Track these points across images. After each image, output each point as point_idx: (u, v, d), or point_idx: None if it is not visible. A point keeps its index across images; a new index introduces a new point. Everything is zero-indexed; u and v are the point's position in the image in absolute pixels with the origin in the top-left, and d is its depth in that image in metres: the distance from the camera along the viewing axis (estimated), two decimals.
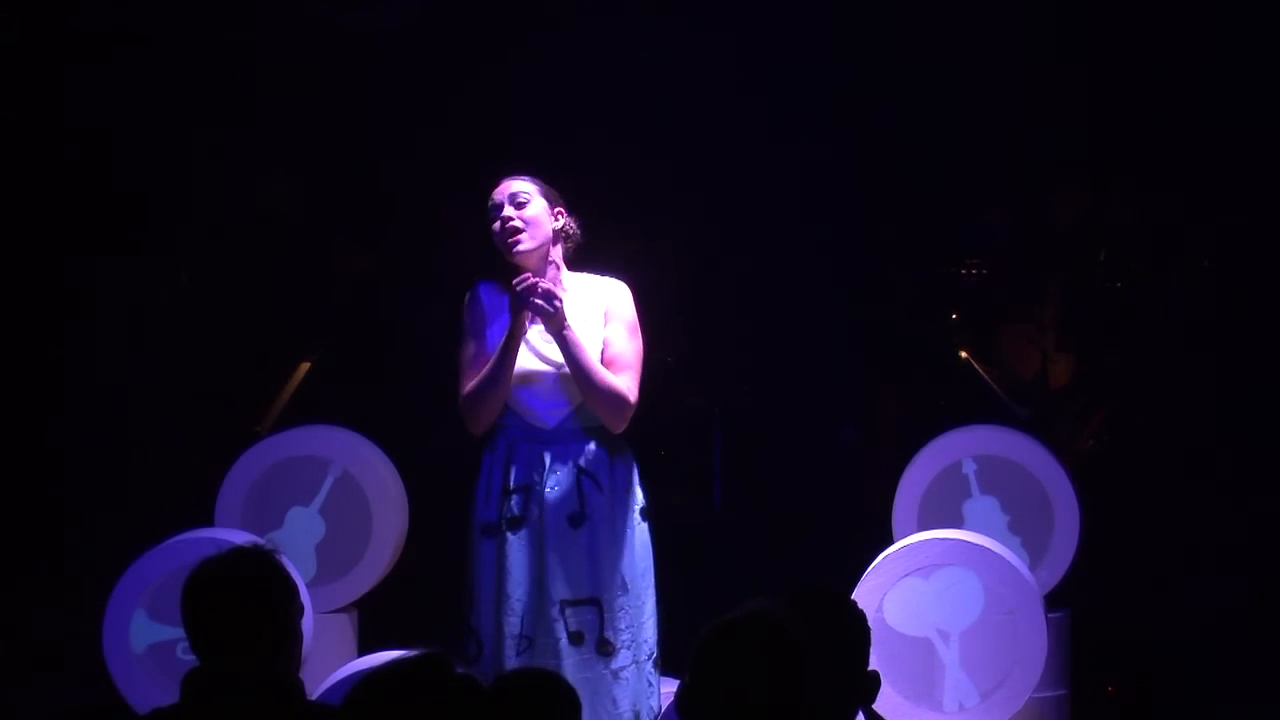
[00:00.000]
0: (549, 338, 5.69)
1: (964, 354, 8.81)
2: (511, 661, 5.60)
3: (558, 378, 5.70)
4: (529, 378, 5.70)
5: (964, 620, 6.48)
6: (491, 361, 5.70)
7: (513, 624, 5.62)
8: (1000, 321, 9.00)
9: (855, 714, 4.13)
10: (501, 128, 9.00)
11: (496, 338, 5.75)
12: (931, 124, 8.95)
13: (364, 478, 6.98)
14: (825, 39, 8.91)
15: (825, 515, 8.55)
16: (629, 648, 5.70)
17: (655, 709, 5.76)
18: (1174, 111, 8.73)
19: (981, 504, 7.12)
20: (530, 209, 5.75)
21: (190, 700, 3.96)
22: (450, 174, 9.10)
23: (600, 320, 5.77)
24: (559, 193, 5.85)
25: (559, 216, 5.80)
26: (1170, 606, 8.06)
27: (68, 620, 7.48)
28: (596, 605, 5.64)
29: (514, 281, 5.64)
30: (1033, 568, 6.87)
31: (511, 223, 5.73)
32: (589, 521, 5.67)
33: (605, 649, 5.66)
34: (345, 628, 6.96)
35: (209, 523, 6.86)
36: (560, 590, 5.64)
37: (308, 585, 6.32)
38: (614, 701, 5.67)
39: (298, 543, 6.89)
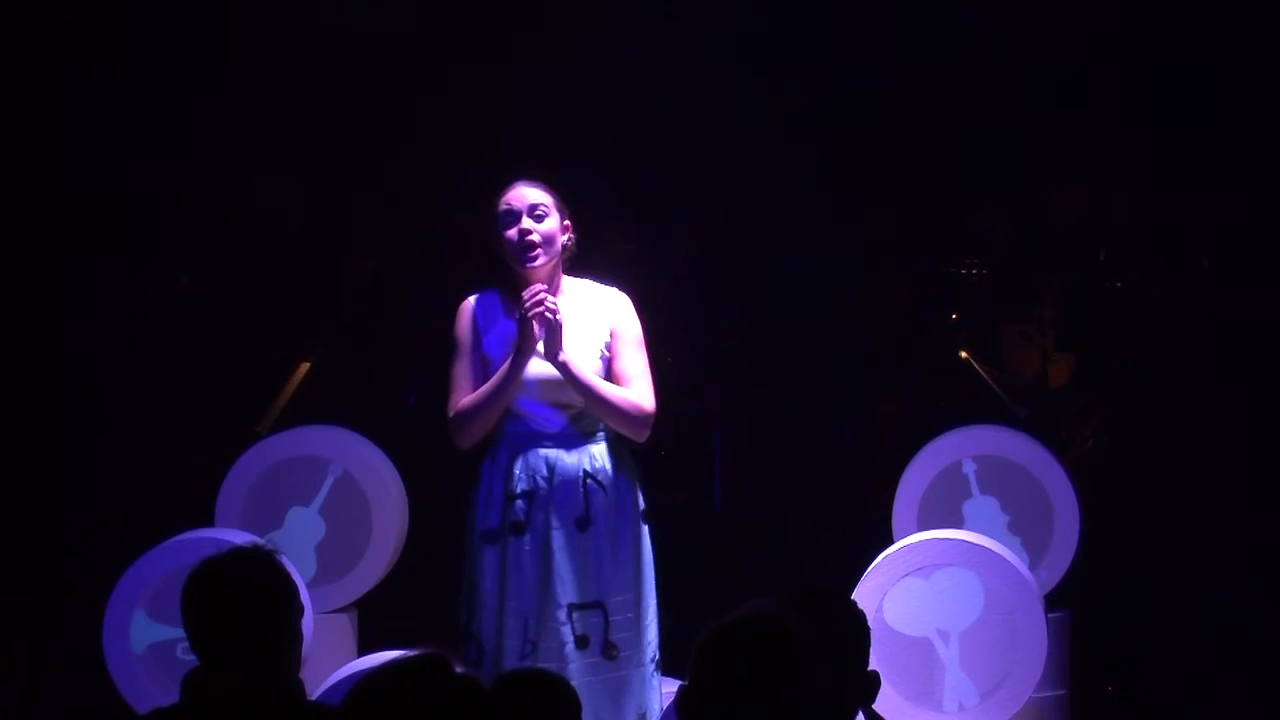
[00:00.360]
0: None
1: (964, 354, 8.81)
2: (515, 666, 5.59)
3: (559, 381, 5.69)
4: (535, 382, 5.69)
5: (964, 620, 6.48)
6: (493, 383, 5.67)
7: (516, 629, 5.61)
8: (1000, 321, 9.00)
9: (855, 714, 4.13)
10: (502, 127, 9.01)
11: (494, 349, 5.74)
12: (931, 124, 8.95)
13: (364, 478, 6.97)
14: (825, 39, 8.91)
15: (825, 515, 8.55)
16: (633, 651, 5.70)
17: (658, 711, 5.76)
18: (1174, 111, 8.73)
19: (981, 504, 7.11)
20: (548, 223, 5.71)
21: (190, 700, 3.96)
22: (451, 174, 9.11)
23: (601, 329, 5.76)
24: (566, 201, 5.83)
25: (567, 230, 5.78)
26: (1170, 606, 8.05)
27: (68, 620, 7.47)
28: (601, 609, 5.64)
29: (527, 308, 5.60)
30: (1033, 568, 6.87)
31: (530, 236, 5.68)
32: (593, 525, 5.67)
33: (610, 652, 5.66)
34: (345, 628, 6.95)
35: (209, 523, 6.86)
36: (566, 594, 5.63)
37: (308, 585, 6.32)
38: (619, 705, 5.67)
39: (298, 543, 6.88)
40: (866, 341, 9.00)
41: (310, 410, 7.90)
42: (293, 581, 4.09)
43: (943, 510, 7.09)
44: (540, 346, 5.63)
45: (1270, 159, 8.56)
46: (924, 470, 7.15)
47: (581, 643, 5.62)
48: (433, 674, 3.17)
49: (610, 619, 5.65)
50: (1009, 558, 6.54)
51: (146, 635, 6.43)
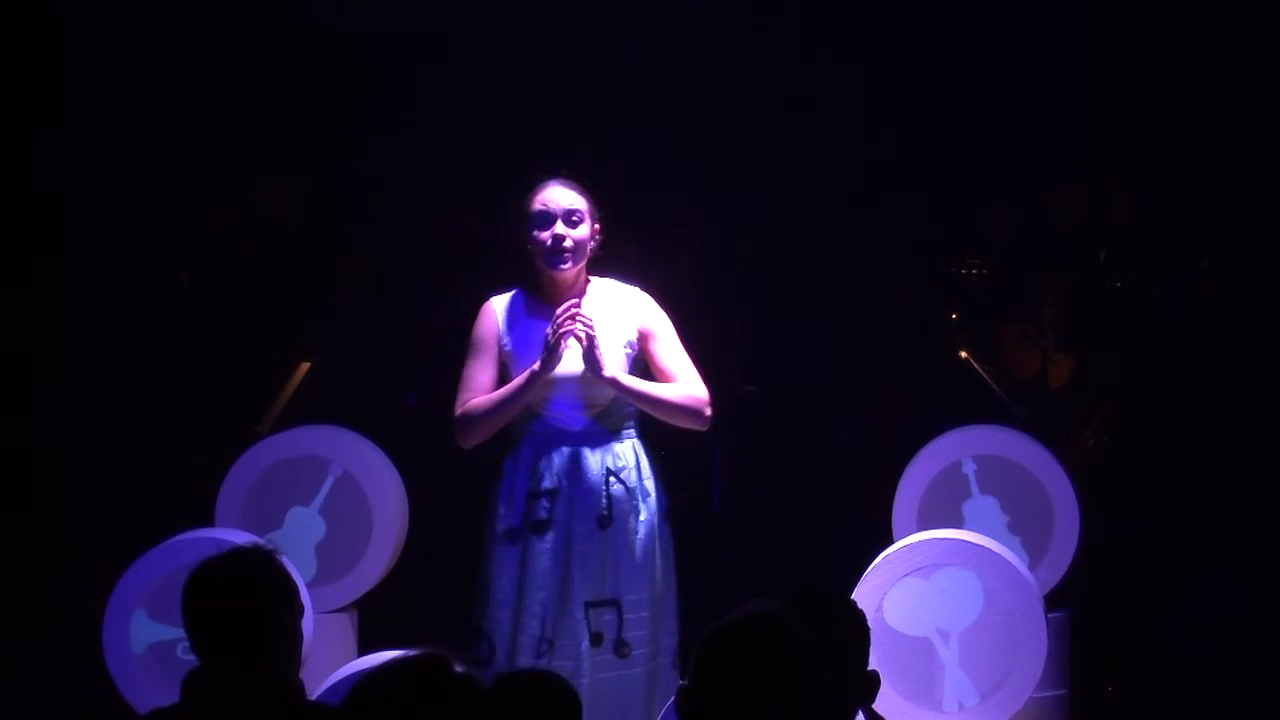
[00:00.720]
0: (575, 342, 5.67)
1: (964, 354, 8.81)
2: (528, 663, 5.59)
3: (575, 381, 5.68)
4: (559, 381, 5.68)
5: (964, 620, 6.48)
6: (506, 391, 5.67)
7: (533, 626, 5.60)
8: (1000, 321, 9.00)
9: (855, 714, 4.13)
10: (502, 127, 9.00)
11: (520, 348, 5.72)
12: (931, 124, 8.95)
13: (364, 478, 6.97)
14: (824, 38, 8.91)
15: (825, 515, 8.54)
16: (646, 649, 5.70)
17: None
18: (1174, 111, 8.73)
19: (981, 504, 7.11)
20: (581, 229, 5.72)
21: (190, 700, 3.96)
22: (451, 174, 9.11)
23: (627, 329, 5.75)
24: (597, 205, 5.82)
25: (596, 234, 5.78)
26: (1170, 606, 8.05)
27: (68, 620, 7.47)
28: (616, 606, 5.64)
29: (558, 324, 5.59)
30: (1033, 568, 6.86)
31: (565, 242, 5.69)
32: (615, 523, 5.67)
33: (623, 650, 5.66)
34: (345, 628, 6.95)
35: (209, 523, 6.85)
36: (584, 592, 5.63)
37: (308, 585, 6.32)
38: (631, 703, 5.67)
39: (298, 543, 6.88)
40: (866, 341, 9.00)
41: (310, 410, 7.90)
42: (293, 581, 4.08)
43: (943, 510, 7.08)
44: (558, 366, 5.63)
45: (1270, 159, 8.56)
46: (924, 470, 7.14)
47: (596, 640, 5.62)
48: (433, 674, 3.16)
49: (624, 617, 5.65)
50: (1009, 558, 6.54)
51: (146, 635, 6.43)
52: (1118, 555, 8.01)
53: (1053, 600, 6.94)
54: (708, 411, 5.76)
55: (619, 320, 5.76)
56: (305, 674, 4.24)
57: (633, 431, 5.78)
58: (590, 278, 5.83)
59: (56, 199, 8.68)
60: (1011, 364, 8.91)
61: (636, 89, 8.95)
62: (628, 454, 5.73)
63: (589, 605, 5.63)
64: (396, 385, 8.87)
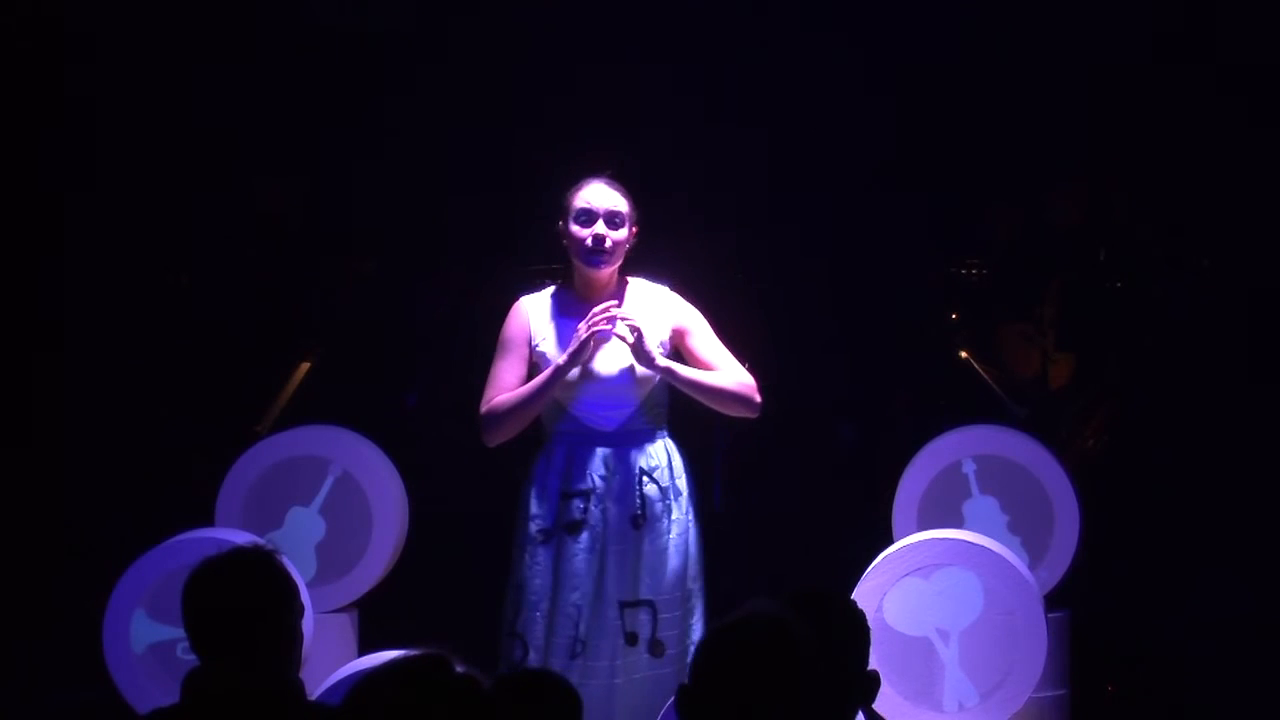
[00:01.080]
0: (602, 341, 5.67)
1: (964, 354, 8.80)
2: (563, 665, 5.58)
3: (619, 381, 5.67)
4: (592, 382, 5.67)
5: (964, 620, 6.48)
6: (532, 387, 5.65)
7: (567, 627, 5.59)
8: (1000, 321, 9.00)
9: (855, 714, 4.13)
10: (502, 127, 9.00)
11: (563, 346, 5.71)
12: (931, 123, 8.95)
13: (364, 478, 6.97)
14: (824, 38, 8.91)
15: (825, 515, 8.54)
16: (678, 648, 5.70)
17: None
18: (1174, 111, 8.73)
19: (981, 504, 7.11)
20: (621, 232, 5.72)
21: (190, 700, 3.96)
22: (452, 173, 9.11)
23: (661, 329, 5.74)
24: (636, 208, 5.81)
25: (633, 237, 5.78)
26: (1170, 606, 8.05)
27: (68, 620, 7.47)
28: (650, 606, 5.64)
29: (593, 322, 5.58)
30: (1033, 568, 6.86)
31: (605, 242, 5.68)
32: (648, 523, 5.66)
33: (657, 650, 5.65)
34: (345, 628, 6.95)
35: (209, 523, 6.85)
36: (619, 592, 5.62)
37: (308, 585, 6.32)
38: (664, 702, 5.66)
39: (298, 543, 6.88)
40: (866, 341, 9.00)
41: (310, 410, 7.90)
42: (293, 581, 4.08)
43: (943, 510, 7.09)
44: (593, 367, 5.62)
45: (1270, 158, 8.56)
46: (924, 470, 7.15)
47: (631, 640, 5.62)
48: (433, 674, 3.16)
49: (659, 616, 5.65)
50: (1009, 558, 6.54)
51: (146, 635, 6.43)
52: (1118, 555, 8.01)
53: (1053, 600, 6.94)
54: (758, 398, 5.78)
55: (652, 320, 5.75)
56: (305, 674, 4.24)
57: (664, 431, 5.78)
58: (628, 278, 5.82)
59: (56, 199, 8.68)
60: (1011, 364, 8.91)
61: (636, 89, 8.95)
62: (660, 453, 5.73)
63: (623, 605, 5.63)
64: (396, 385, 8.87)
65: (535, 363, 5.73)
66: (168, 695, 4.44)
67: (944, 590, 6.47)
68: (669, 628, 5.67)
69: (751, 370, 5.90)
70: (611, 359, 5.69)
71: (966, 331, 8.97)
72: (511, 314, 5.80)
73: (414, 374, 8.93)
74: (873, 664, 4.18)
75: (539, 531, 5.67)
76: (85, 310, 8.69)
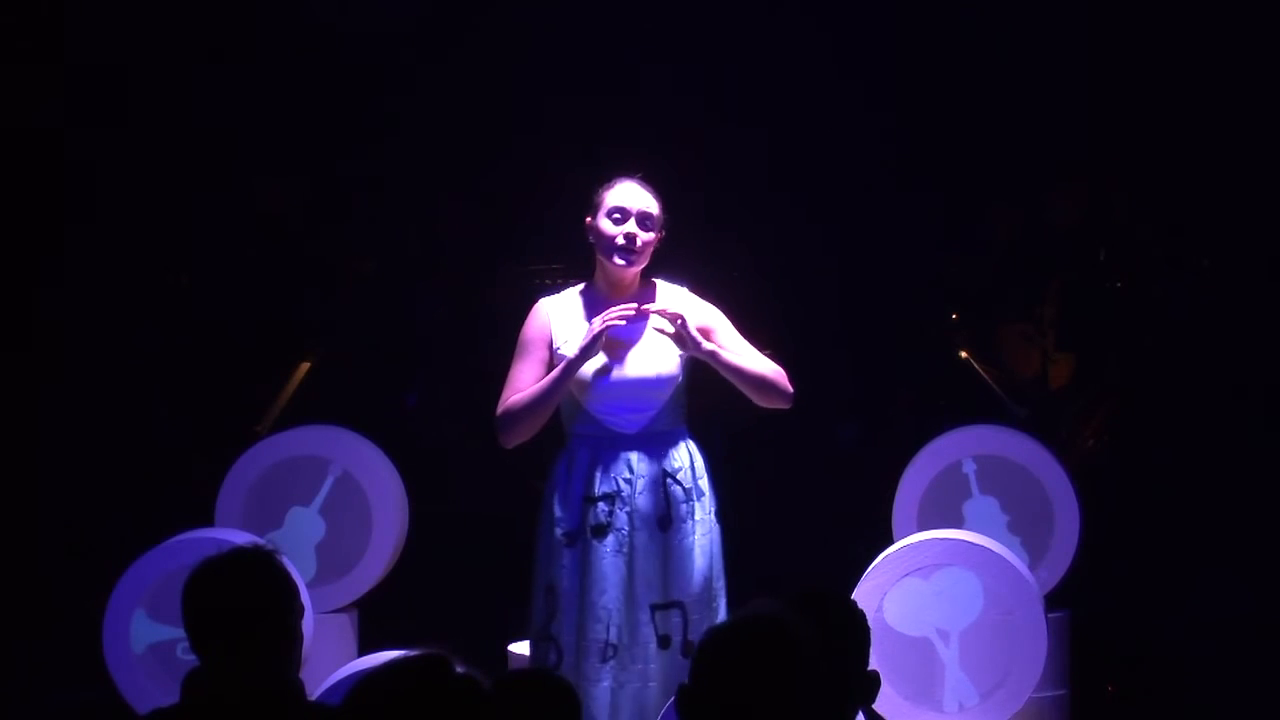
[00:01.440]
0: (625, 343, 5.66)
1: (964, 354, 8.81)
2: (595, 668, 5.56)
3: (642, 383, 5.66)
4: (615, 385, 5.66)
5: (964, 620, 6.48)
6: (545, 384, 5.63)
7: (598, 631, 5.57)
8: (1000, 321, 9.00)
9: (855, 714, 4.13)
10: (502, 126, 9.01)
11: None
12: (931, 123, 8.95)
13: (364, 478, 6.98)
14: (824, 38, 8.92)
15: (825, 515, 8.54)
16: None
17: None
18: (1174, 111, 8.73)
19: (981, 504, 7.12)
20: (651, 233, 5.70)
21: (190, 700, 3.96)
22: (452, 173, 9.11)
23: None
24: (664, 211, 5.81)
25: (659, 240, 5.78)
26: (1170, 606, 8.06)
27: (68, 620, 7.48)
28: (681, 608, 5.62)
29: (611, 318, 5.57)
30: (1033, 568, 6.87)
31: (637, 242, 5.67)
32: (674, 525, 5.65)
33: (690, 651, 5.64)
34: (345, 628, 6.96)
35: (209, 523, 6.86)
36: (649, 595, 5.60)
37: (308, 585, 6.32)
38: None
39: (298, 543, 6.89)
40: (866, 341, 9.00)
41: (310, 410, 7.90)
42: (293, 581, 4.08)
43: (943, 510, 7.09)
44: (615, 371, 5.62)
45: (1269, 158, 8.56)
46: (924, 470, 7.15)
47: (664, 643, 5.60)
48: (433, 674, 3.16)
49: (689, 618, 5.63)
50: (1009, 558, 6.55)
51: (146, 635, 6.44)
52: (1118, 555, 8.01)
53: (1053, 600, 6.95)
54: (791, 387, 5.78)
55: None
56: (305, 674, 4.24)
57: (685, 431, 5.78)
58: (652, 279, 5.82)
59: (56, 199, 8.69)
60: (1011, 364, 8.92)
61: (635, 89, 8.95)
62: (682, 455, 5.72)
63: (654, 608, 5.61)
64: (396, 385, 8.87)
65: (556, 364, 5.69)
66: (168, 695, 4.44)
67: (944, 590, 6.47)
68: (699, 628, 5.66)
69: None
70: (635, 361, 5.67)
71: (966, 331, 8.97)
72: (531, 316, 5.76)
73: (414, 374, 8.94)
74: (873, 664, 4.18)
75: (564, 535, 5.64)
76: (85, 310, 8.69)
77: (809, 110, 8.94)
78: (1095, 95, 8.92)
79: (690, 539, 5.67)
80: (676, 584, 5.64)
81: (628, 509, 5.62)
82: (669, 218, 5.78)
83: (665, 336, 5.67)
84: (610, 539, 5.61)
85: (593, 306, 5.71)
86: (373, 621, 7.10)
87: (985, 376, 8.70)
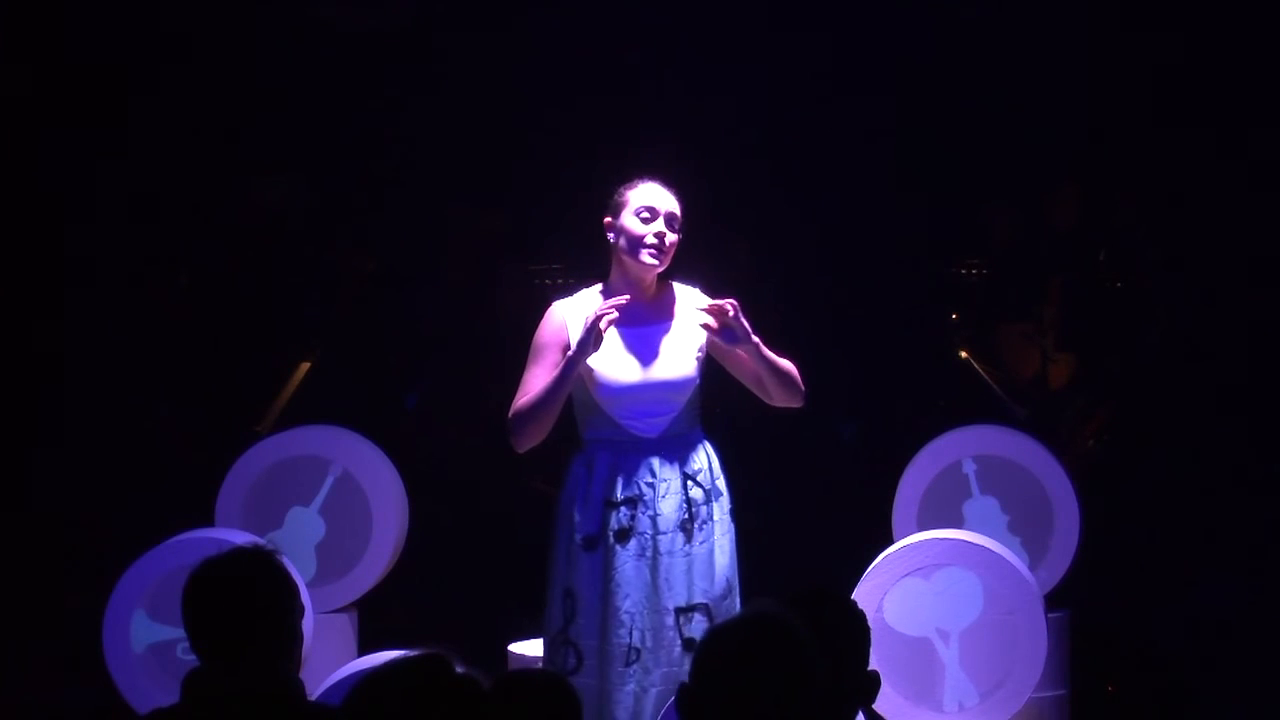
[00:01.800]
0: (645, 347, 5.65)
1: (964, 354, 8.81)
2: (619, 673, 5.54)
3: (657, 386, 5.64)
4: (633, 388, 5.64)
5: (964, 620, 6.48)
6: (549, 384, 5.60)
7: (621, 635, 5.55)
8: (1000, 321, 9.00)
9: (855, 714, 4.13)
10: (502, 126, 9.01)
11: (607, 345, 5.65)
12: (932, 123, 8.95)
13: (364, 478, 6.98)
14: (824, 37, 8.92)
15: (825, 515, 8.54)
16: None
17: None
18: (1175, 110, 8.73)
19: (981, 504, 7.12)
20: (676, 234, 5.70)
21: (190, 700, 3.96)
22: (452, 173, 9.11)
23: (699, 332, 5.72)
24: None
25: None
26: (1170, 606, 8.06)
27: (68, 620, 7.48)
28: (705, 610, 5.61)
29: (601, 313, 5.55)
30: (1033, 568, 6.87)
31: (665, 241, 5.67)
32: (696, 527, 5.64)
33: None
34: (345, 628, 6.96)
35: (209, 523, 6.86)
36: (673, 599, 5.59)
37: (308, 585, 6.32)
38: None
39: (298, 543, 6.89)
40: (866, 341, 9.00)
41: (310, 410, 7.90)
42: (293, 581, 4.08)
43: (943, 510, 7.09)
44: (634, 375, 5.60)
45: (1269, 158, 8.56)
46: (924, 470, 7.15)
47: (690, 646, 5.58)
48: (433, 674, 3.17)
49: (714, 620, 5.61)
50: (1009, 558, 6.55)
51: (146, 635, 6.44)
52: (1118, 555, 8.01)
53: (1053, 600, 6.95)
54: (803, 385, 5.80)
55: (693, 323, 5.73)
56: (305, 674, 4.24)
57: (701, 433, 5.77)
58: (670, 281, 5.80)
59: (56, 198, 8.69)
60: (1011, 364, 8.92)
61: (635, 89, 8.95)
62: (701, 457, 5.71)
63: (679, 611, 5.60)
64: (396, 385, 8.87)
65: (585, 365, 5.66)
66: (168, 695, 4.44)
67: (944, 590, 6.47)
68: None
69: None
70: (656, 365, 5.65)
71: (966, 331, 8.97)
72: (546, 319, 5.72)
73: (414, 374, 8.94)
74: (873, 664, 4.18)
75: (584, 539, 5.62)
76: (85, 310, 8.69)
77: (809, 110, 8.94)
78: (1095, 96, 8.93)
79: (710, 540, 5.66)
80: (699, 586, 5.63)
81: (650, 513, 5.60)
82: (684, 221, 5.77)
83: (686, 339, 5.66)
84: (633, 543, 5.58)
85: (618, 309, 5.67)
86: (373, 621, 7.10)
87: (985, 376, 8.70)
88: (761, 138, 8.94)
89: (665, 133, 8.68)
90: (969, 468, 7.13)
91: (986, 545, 6.54)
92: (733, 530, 5.75)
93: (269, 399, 8.40)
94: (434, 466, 8.30)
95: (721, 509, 5.72)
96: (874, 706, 4.28)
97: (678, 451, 5.68)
